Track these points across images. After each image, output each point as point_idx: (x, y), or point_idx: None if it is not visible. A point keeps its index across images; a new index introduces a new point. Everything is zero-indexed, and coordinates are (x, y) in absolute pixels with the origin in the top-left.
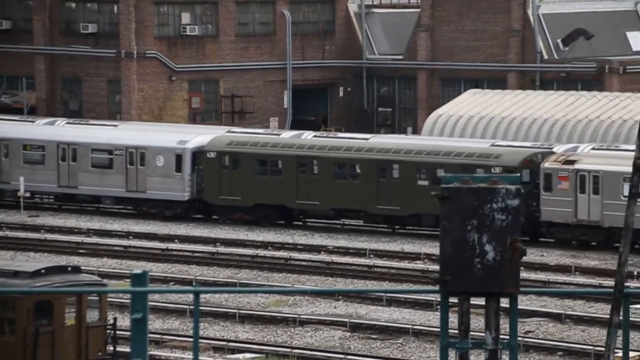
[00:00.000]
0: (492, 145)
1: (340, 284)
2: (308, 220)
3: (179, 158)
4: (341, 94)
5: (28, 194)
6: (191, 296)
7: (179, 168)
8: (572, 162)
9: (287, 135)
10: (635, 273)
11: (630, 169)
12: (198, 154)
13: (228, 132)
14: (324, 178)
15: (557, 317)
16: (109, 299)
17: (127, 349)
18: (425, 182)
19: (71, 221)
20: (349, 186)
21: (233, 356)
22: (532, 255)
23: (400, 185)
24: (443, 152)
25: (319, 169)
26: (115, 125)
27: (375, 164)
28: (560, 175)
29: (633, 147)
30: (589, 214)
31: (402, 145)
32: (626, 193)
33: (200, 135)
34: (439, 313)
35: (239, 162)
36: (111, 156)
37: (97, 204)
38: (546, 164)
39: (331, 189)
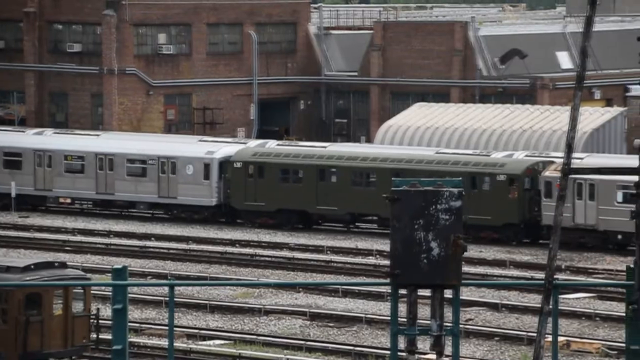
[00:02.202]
0: (494, 155)
1: (300, 277)
2: (325, 223)
3: (207, 167)
4: (302, 106)
5: (69, 200)
6: (167, 289)
7: (207, 176)
8: None
9: (308, 146)
10: (563, 267)
11: (622, 178)
12: (224, 163)
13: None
14: (341, 185)
15: (494, 306)
16: (92, 292)
17: (109, 337)
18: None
19: (58, 221)
20: (365, 193)
21: (204, 342)
22: (472, 251)
23: None
24: (452, 161)
25: (337, 177)
26: (148, 138)
27: (389, 172)
28: (559, 182)
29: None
30: (585, 219)
31: (413, 155)
32: (619, 199)
33: (225, 147)
34: (389, 303)
35: (263, 171)
36: (145, 165)
37: (132, 209)
38: (546, 173)
39: (348, 196)
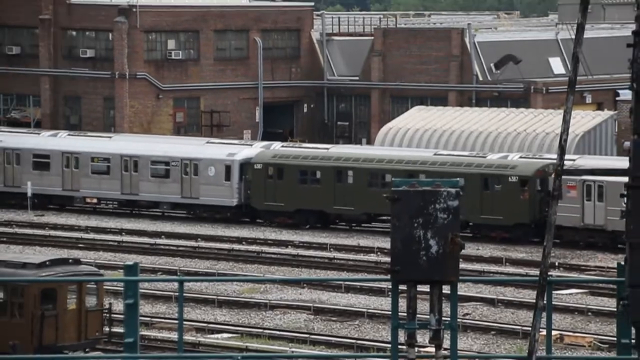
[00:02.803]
0: (508, 157)
1: (305, 273)
2: (341, 223)
3: (228, 168)
4: (305, 109)
5: (95, 200)
6: (176, 284)
7: (228, 177)
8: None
9: (326, 148)
10: (556, 264)
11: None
12: (245, 165)
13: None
14: (357, 186)
15: (490, 302)
16: (105, 287)
17: (121, 330)
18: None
19: (72, 220)
20: (380, 193)
21: (212, 336)
22: (470, 249)
23: None
24: (465, 163)
25: (353, 178)
26: (171, 140)
27: (403, 174)
28: (569, 184)
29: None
30: (594, 219)
31: (427, 158)
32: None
33: (246, 149)
34: (390, 298)
35: (283, 173)
36: (168, 167)
37: (156, 209)
38: (574, 175)
39: (364, 196)
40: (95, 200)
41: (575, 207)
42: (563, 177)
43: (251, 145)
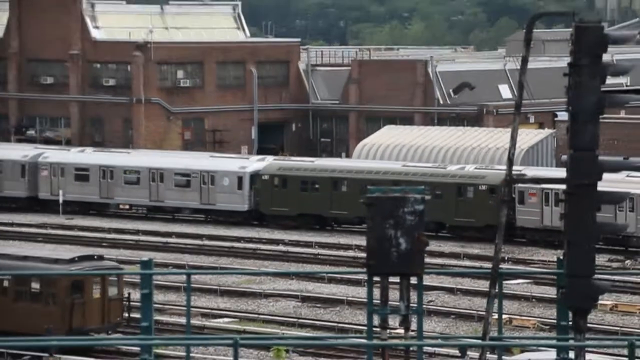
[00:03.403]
0: (465, 168)
1: (293, 267)
2: (337, 225)
3: (240, 179)
4: (294, 128)
5: (128, 206)
6: (185, 276)
7: (240, 186)
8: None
9: (311, 161)
10: (506, 258)
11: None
12: (254, 176)
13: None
14: (351, 194)
15: (450, 290)
16: (124, 279)
17: (138, 315)
18: (428, 197)
19: (97, 222)
20: None
21: (215, 320)
22: (433, 245)
23: None
24: (441, 174)
25: (347, 187)
26: (191, 155)
27: (389, 183)
28: (531, 192)
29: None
30: (552, 221)
31: (409, 170)
32: None
33: (255, 162)
34: (366, 288)
35: (287, 182)
36: (189, 178)
37: (178, 214)
38: (520, 184)
39: (356, 202)
40: (127, 207)
41: (535, 211)
42: (531, 186)
43: (247, 158)
